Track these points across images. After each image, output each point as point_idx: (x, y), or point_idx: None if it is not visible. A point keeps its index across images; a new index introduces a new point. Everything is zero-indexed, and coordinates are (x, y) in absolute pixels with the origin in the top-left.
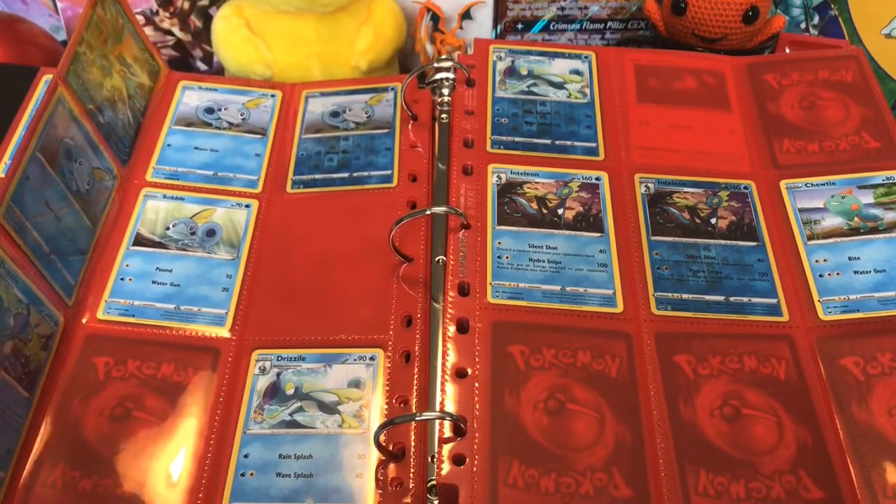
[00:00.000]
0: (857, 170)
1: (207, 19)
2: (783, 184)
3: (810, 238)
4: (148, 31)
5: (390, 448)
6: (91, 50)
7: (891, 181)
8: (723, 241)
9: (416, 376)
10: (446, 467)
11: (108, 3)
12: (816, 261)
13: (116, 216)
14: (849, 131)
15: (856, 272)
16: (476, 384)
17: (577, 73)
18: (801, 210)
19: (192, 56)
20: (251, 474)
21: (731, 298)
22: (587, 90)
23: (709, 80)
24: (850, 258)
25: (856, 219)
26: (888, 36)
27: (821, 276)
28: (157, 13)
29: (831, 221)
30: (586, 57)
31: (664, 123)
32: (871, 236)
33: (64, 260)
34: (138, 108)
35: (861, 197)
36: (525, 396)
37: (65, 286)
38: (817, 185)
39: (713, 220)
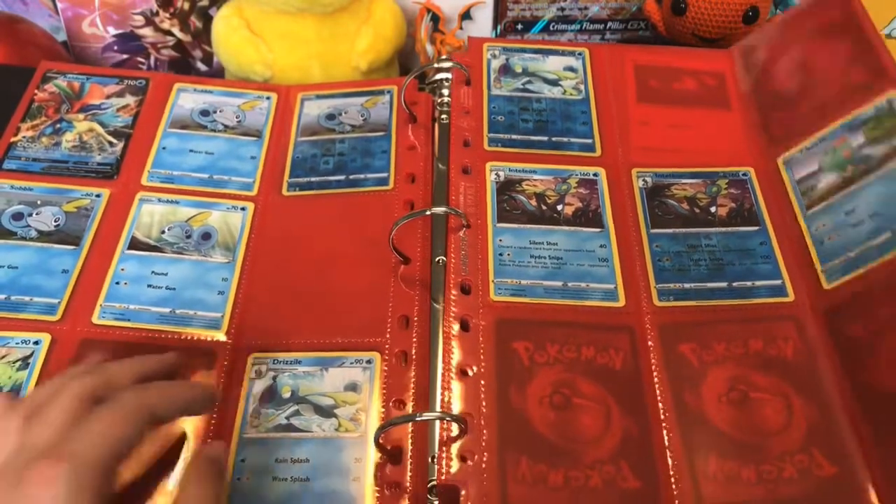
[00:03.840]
0: (848, 109)
1: (207, 20)
2: (780, 160)
3: (809, 207)
4: (148, 31)
5: (389, 449)
6: (35, 128)
7: (880, 111)
8: (723, 229)
9: (413, 378)
10: (455, 465)
11: (53, 82)
12: (816, 228)
13: (109, 224)
14: (837, 75)
15: (853, 225)
16: (481, 381)
17: (572, 69)
18: (798, 181)
19: (193, 57)
20: (247, 478)
21: (735, 284)
22: (582, 87)
23: (708, 81)
24: (845, 213)
25: (849, 167)
26: (888, 36)
27: (822, 242)
28: (157, 14)
29: (826, 181)
30: (580, 53)
31: (663, 123)
32: (864, 180)
33: (34, 290)
34: (124, 127)
35: (853, 140)
36: (531, 392)
37: (42, 309)
38: (811, 147)
39: (713, 209)
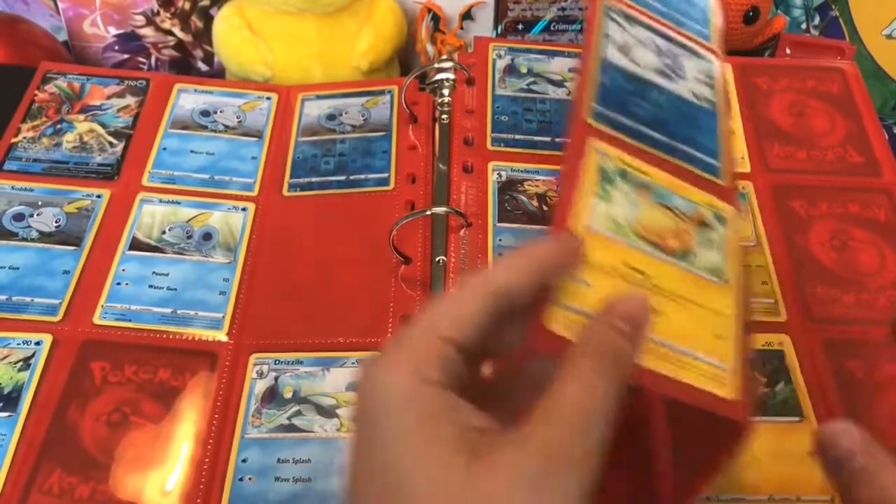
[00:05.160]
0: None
1: (208, 20)
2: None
3: None
4: (148, 31)
5: None
6: (35, 129)
7: None
8: None
9: None
10: None
11: (53, 83)
12: None
13: (110, 224)
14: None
15: None
16: None
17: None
18: None
19: (193, 56)
20: (249, 479)
21: None
22: None
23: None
24: None
25: None
26: (889, 36)
27: None
28: (157, 13)
29: None
30: None
31: None
32: None
33: (35, 291)
34: (124, 127)
35: None
36: None
37: (44, 310)
38: None
39: None
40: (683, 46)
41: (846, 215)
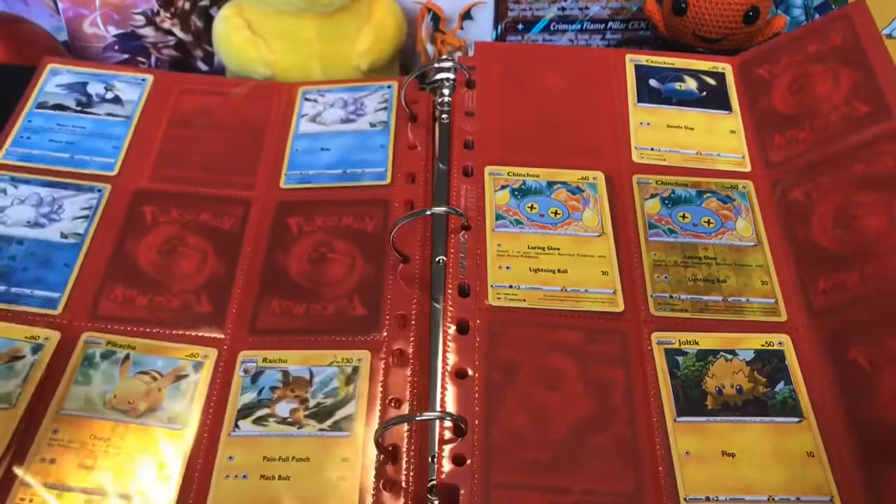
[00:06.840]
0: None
1: (208, 20)
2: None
3: None
4: (148, 31)
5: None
6: None
7: None
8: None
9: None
10: (447, 467)
11: None
12: None
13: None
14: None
15: None
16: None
17: None
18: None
19: (193, 56)
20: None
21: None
22: None
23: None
24: None
25: None
26: (889, 36)
27: None
28: (157, 13)
29: None
30: None
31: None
32: None
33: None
34: None
35: None
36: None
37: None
38: None
39: None
40: None
41: (851, 180)
